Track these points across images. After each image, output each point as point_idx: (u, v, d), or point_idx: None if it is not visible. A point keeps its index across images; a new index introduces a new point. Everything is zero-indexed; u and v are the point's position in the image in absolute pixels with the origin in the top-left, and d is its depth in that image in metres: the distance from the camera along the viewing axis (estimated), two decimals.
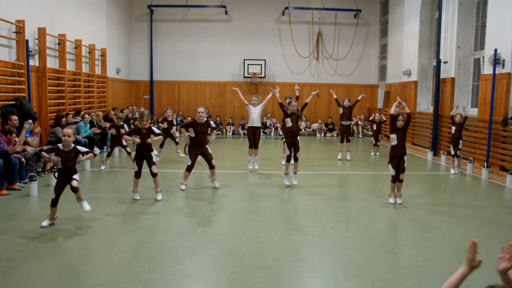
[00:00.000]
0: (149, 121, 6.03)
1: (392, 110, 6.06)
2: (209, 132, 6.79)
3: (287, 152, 7.05)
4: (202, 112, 6.67)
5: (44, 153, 4.87)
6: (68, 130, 4.78)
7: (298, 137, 7.06)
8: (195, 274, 3.75)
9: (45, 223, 4.78)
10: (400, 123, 5.87)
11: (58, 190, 4.81)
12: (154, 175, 5.98)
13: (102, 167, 8.29)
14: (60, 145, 4.80)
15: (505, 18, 8.41)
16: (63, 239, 4.45)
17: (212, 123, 6.89)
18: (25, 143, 7.24)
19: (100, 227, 4.86)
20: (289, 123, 7.00)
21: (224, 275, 3.65)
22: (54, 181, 6.86)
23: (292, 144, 6.96)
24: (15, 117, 7.20)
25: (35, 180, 6.23)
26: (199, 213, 5.53)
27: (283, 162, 6.88)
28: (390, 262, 3.98)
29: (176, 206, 5.84)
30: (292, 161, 7.04)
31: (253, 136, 8.29)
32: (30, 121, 7.73)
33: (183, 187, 6.67)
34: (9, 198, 6.07)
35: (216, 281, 3.59)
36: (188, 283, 3.56)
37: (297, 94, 8.16)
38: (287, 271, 3.76)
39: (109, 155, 8.51)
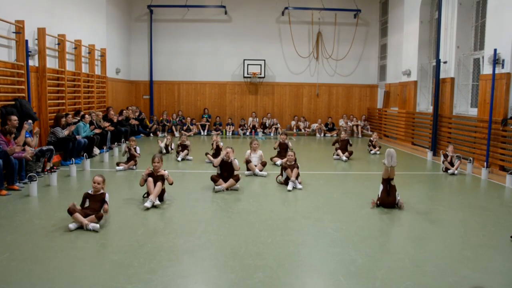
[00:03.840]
0: (162, 162, 6.08)
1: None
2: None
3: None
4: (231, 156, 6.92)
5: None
6: (99, 178, 5.15)
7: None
8: (195, 274, 3.75)
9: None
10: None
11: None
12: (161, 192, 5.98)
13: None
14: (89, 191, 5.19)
15: (505, 18, 8.41)
16: (63, 239, 4.44)
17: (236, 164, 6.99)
18: (25, 143, 7.25)
19: (100, 227, 4.85)
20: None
21: (224, 275, 3.65)
22: (54, 181, 6.90)
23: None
24: (14, 117, 7.20)
25: (35, 181, 6.22)
26: (199, 213, 5.53)
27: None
28: (390, 262, 3.98)
29: (176, 206, 5.84)
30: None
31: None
32: (30, 121, 7.72)
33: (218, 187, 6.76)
34: (8, 198, 6.07)
35: (216, 281, 3.59)
36: (188, 283, 3.56)
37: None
38: (287, 271, 3.77)
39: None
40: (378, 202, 5.93)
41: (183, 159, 9.58)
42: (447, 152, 8.70)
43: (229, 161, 6.84)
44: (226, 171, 6.87)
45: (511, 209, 6.09)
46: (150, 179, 5.87)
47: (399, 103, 14.13)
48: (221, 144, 9.42)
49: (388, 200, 5.83)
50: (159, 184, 5.83)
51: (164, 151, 10.40)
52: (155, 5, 15.96)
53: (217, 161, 6.94)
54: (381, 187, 5.95)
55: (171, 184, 6.08)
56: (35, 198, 6.12)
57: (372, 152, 11.25)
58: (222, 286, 3.47)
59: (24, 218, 5.17)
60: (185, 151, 9.71)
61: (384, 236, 4.86)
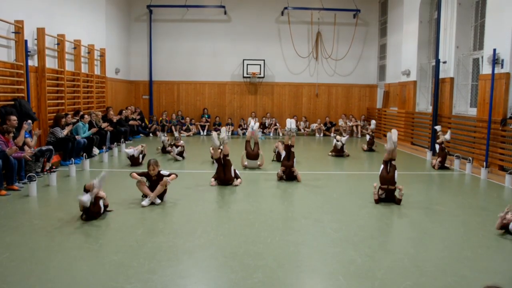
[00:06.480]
0: (157, 168, 5.97)
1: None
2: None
3: None
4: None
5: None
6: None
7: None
8: (195, 274, 3.74)
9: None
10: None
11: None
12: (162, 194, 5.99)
13: None
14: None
15: (504, 18, 8.42)
16: (63, 239, 4.44)
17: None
18: (24, 143, 7.23)
19: (100, 227, 4.85)
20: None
21: (224, 275, 3.65)
22: (53, 181, 6.88)
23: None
24: (14, 117, 7.19)
25: (34, 181, 6.22)
26: (199, 213, 5.53)
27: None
28: (390, 262, 3.98)
29: (176, 206, 5.83)
30: None
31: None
32: (29, 121, 7.71)
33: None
34: (8, 198, 6.06)
35: (216, 281, 3.58)
36: (188, 283, 3.56)
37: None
38: (287, 271, 3.76)
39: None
40: (379, 190, 6.12)
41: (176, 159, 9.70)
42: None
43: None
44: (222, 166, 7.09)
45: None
46: (145, 184, 5.91)
47: (398, 103, 14.13)
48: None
49: (387, 176, 6.10)
50: (160, 185, 5.86)
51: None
52: (154, 5, 15.94)
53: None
54: (381, 166, 6.25)
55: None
56: (34, 198, 6.11)
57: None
58: (222, 286, 3.47)
59: (24, 218, 5.17)
60: (176, 150, 9.79)
61: (384, 236, 4.86)
